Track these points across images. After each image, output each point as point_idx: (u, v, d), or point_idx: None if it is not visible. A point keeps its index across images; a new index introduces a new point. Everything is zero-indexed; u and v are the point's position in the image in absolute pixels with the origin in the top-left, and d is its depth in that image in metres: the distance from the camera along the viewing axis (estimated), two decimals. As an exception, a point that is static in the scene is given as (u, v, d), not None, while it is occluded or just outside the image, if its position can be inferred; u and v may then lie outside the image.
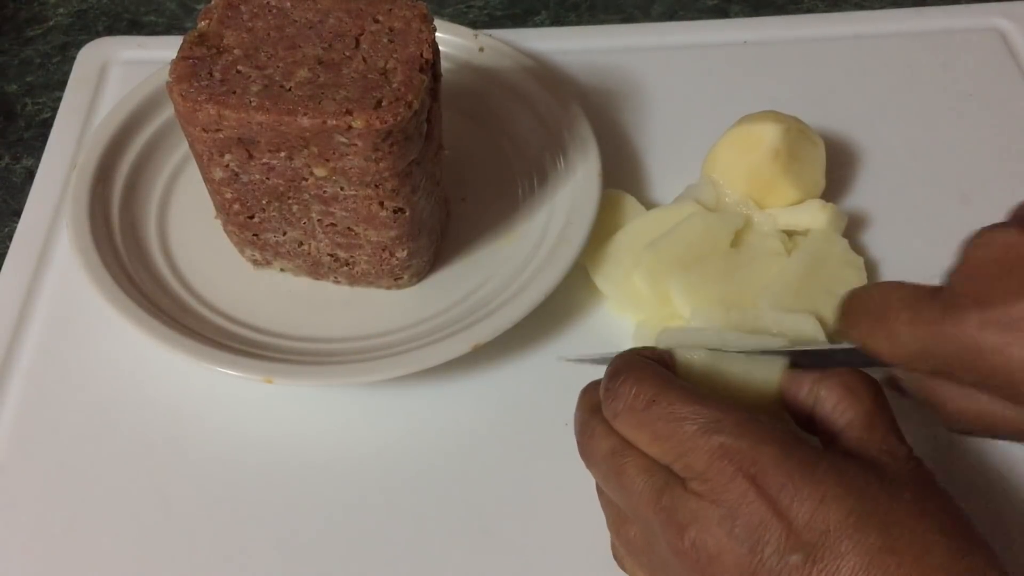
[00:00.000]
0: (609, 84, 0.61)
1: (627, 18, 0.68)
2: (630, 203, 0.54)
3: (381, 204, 0.44)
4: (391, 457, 0.46)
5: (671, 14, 0.68)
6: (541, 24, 0.68)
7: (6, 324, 0.50)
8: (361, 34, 0.43)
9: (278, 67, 0.42)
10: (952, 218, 0.55)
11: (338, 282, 0.51)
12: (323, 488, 0.45)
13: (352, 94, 0.41)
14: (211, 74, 0.41)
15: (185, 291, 0.50)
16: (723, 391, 0.38)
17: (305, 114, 0.40)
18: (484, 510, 0.44)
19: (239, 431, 0.47)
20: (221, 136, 0.42)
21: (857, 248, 0.52)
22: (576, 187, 0.52)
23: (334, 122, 0.40)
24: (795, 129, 0.52)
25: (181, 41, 0.43)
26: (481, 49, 0.58)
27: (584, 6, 0.69)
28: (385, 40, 0.43)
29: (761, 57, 0.63)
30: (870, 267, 0.52)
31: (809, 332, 0.47)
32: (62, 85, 0.62)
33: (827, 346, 0.39)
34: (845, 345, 0.37)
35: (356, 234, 0.47)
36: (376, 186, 0.43)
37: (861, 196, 0.56)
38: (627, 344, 0.46)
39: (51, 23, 0.68)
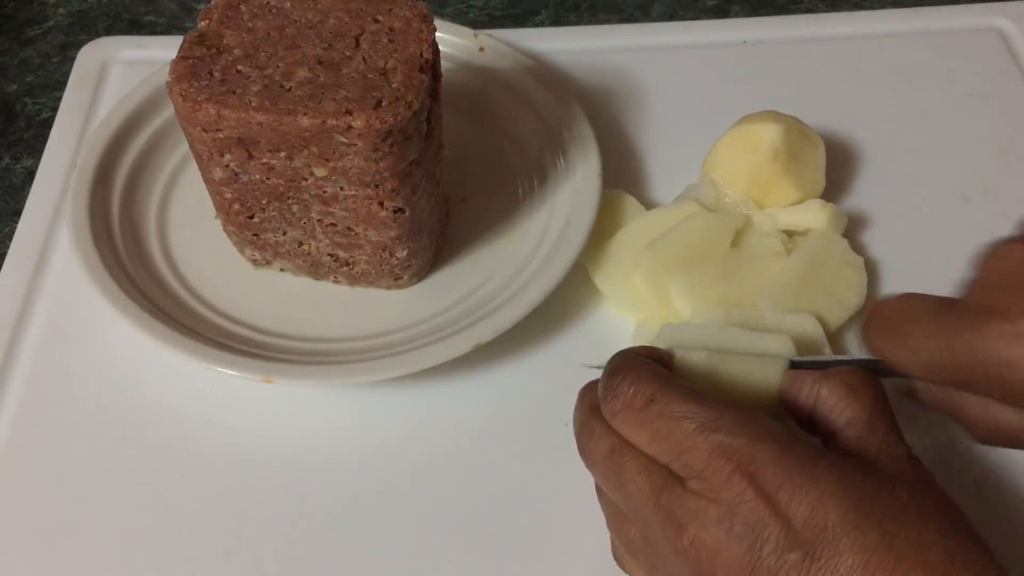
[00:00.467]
0: (609, 84, 0.61)
1: (627, 18, 0.68)
2: (630, 203, 0.54)
3: (381, 204, 0.44)
4: (391, 457, 0.46)
5: (671, 14, 0.68)
6: (541, 24, 0.68)
7: (6, 324, 0.50)
8: (361, 34, 0.43)
9: (278, 67, 0.42)
10: (952, 218, 0.55)
11: (338, 282, 0.51)
12: (323, 488, 0.45)
13: (352, 94, 0.41)
14: (211, 74, 0.41)
15: (185, 291, 0.50)
16: (723, 391, 0.38)
17: (305, 114, 0.40)
18: (484, 510, 0.44)
19: (239, 431, 0.47)
20: (221, 136, 0.42)
21: (857, 248, 0.52)
22: (576, 187, 0.52)
23: (334, 122, 0.40)
24: (795, 129, 0.52)
25: (181, 41, 0.43)
26: (481, 49, 0.58)
27: (584, 6, 0.69)
28: (385, 40, 0.43)
29: (761, 57, 0.63)
30: (870, 267, 0.52)
31: (810, 332, 0.47)
32: (62, 85, 0.62)
33: (849, 357, 0.40)
34: (867, 357, 0.38)
35: (356, 234, 0.47)
36: (376, 186, 0.43)
37: (861, 196, 0.56)
38: (627, 344, 0.45)
39: (51, 23, 0.68)
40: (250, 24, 0.43)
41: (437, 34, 0.44)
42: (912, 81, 0.62)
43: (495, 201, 0.54)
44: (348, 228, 0.46)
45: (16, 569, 0.43)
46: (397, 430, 0.47)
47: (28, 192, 0.56)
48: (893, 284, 0.52)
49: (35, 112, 0.63)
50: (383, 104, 0.40)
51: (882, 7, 0.68)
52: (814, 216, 0.51)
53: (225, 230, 0.50)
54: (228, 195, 0.46)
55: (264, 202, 0.46)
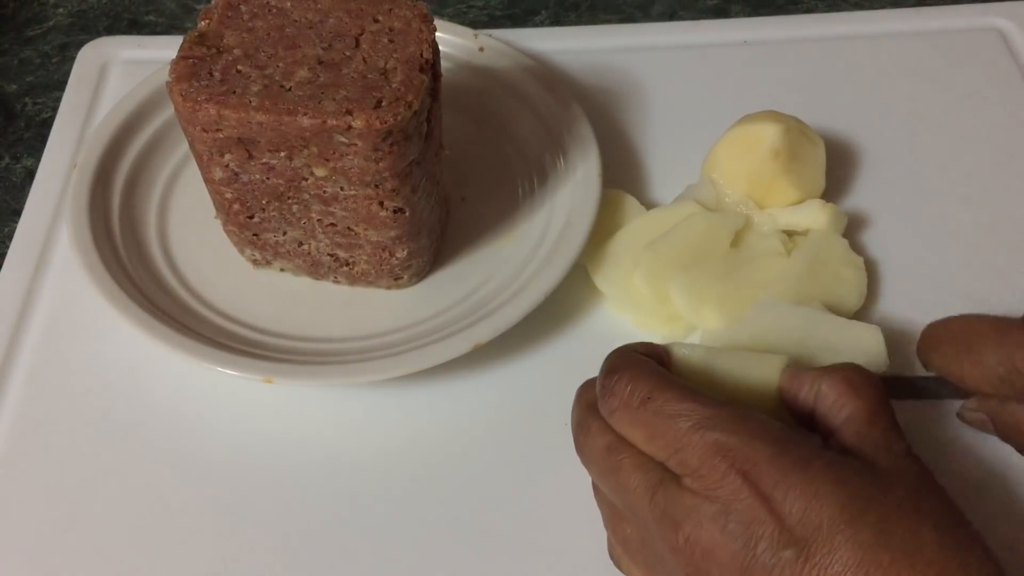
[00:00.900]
0: (609, 84, 0.61)
1: (627, 18, 0.68)
2: (630, 203, 0.54)
3: (381, 204, 0.44)
4: (391, 457, 0.46)
5: (671, 14, 0.68)
6: (541, 24, 0.68)
7: (6, 324, 0.50)
8: (361, 34, 0.43)
9: (278, 67, 0.42)
10: (952, 218, 0.55)
11: (338, 282, 0.51)
12: (323, 488, 0.45)
13: (352, 94, 0.41)
14: (211, 74, 0.41)
15: (185, 291, 0.50)
16: (721, 388, 0.38)
17: (305, 114, 0.40)
18: (484, 510, 0.44)
19: (239, 431, 0.47)
20: (221, 136, 0.42)
21: (857, 248, 0.52)
22: (576, 187, 0.52)
23: (334, 122, 0.40)
24: (795, 129, 0.52)
25: (181, 41, 0.43)
26: (481, 49, 0.58)
27: (584, 6, 0.69)
28: (385, 40, 0.43)
29: (761, 57, 0.63)
30: (870, 267, 0.52)
31: (869, 342, 0.46)
32: (62, 85, 0.62)
33: (910, 376, 0.41)
34: (926, 374, 0.39)
35: (356, 234, 0.47)
36: (376, 186, 0.43)
37: (861, 196, 0.56)
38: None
39: (51, 23, 0.68)
40: (250, 24, 0.43)
41: (437, 34, 0.44)
42: (912, 81, 0.62)
43: (495, 201, 0.54)
44: (348, 228, 0.46)
45: (16, 569, 0.43)
46: (397, 430, 0.47)
47: (28, 192, 0.56)
48: (893, 284, 0.52)
49: (35, 112, 0.63)
50: (383, 104, 0.40)
51: (882, 7, 0.68)
52: (814, 216, 0.51)
53: (225, 230, 0.50)
54: (228, 195, 0.46)
55: (264, 202, 0.46)
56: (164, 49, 0.60)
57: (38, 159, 0.58)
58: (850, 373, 0.36)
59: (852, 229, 0.53)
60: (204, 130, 0.42)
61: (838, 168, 0.56)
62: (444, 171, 0.50)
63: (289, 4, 0.44)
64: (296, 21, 0.44)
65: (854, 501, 0.31)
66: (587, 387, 0.38)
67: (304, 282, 0.51)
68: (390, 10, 0.44)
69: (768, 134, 0.51)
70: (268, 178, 0.44)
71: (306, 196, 0.45)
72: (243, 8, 0.44)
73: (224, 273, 0.51)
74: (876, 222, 0.55)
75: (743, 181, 0.52)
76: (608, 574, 0.40)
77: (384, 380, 0.46)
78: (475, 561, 0.43)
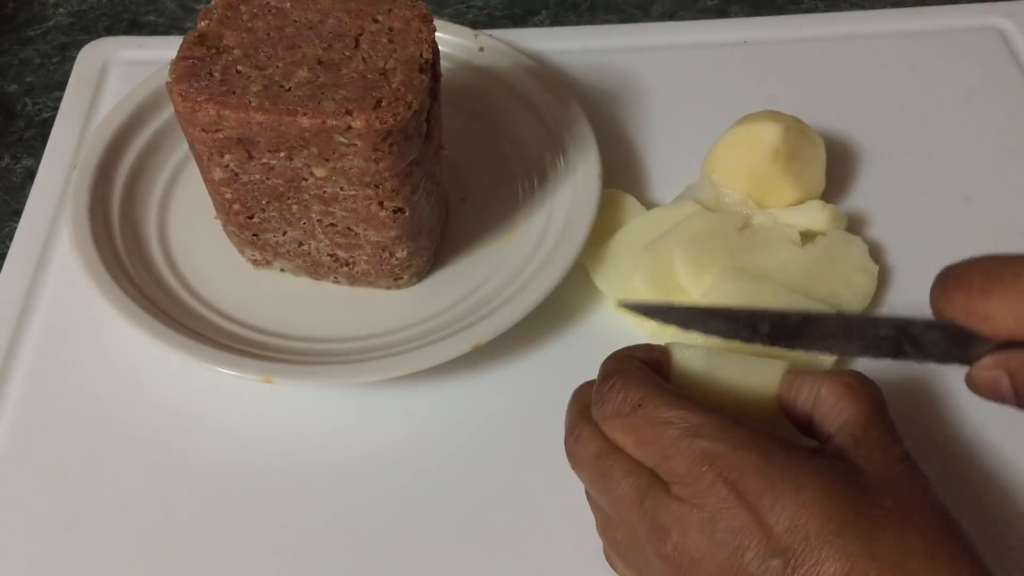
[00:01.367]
0: (609, 84, 0.61)
1: (627, 18, 0.68)
2: (630, 203, 0.54)
3: (381, 204, 0.44)
4: (391, 457, 0.46)
5: (671, 14, 0.68)
6: (541, 24, 0.68)
7: (6, 324, 0.50)
8: (361, 34, 0.43)
9: (278, 67, 0.42)
10: (953, 218, 0.55)
11: (338, 282, 0.51)
12: (323, 488, 0.45)
13: (352, 94, 0.41)
14: (211, 74, 0.41)
15: (185, 291, 0.50)
16: (721, 391, 0.38)
17: (305, 114, 0.40)
18: (484, 510, 0.44)
19: (239, 431, 0.47)
20: (221, 136, 0.42)
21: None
22: (576, 187, 0.52)
23: (334, 122, 0.40)
24: (795, 129, 0.52)
25: (181, 41, 0.43)
26: (481, 49, 0.58)
27: (584, 6, 0.69)
28: (385, 40, 0.43)
29: (761, 57, 0.63)
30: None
31: None
32: (62, 85, 0.62)
33: (913, 318, 0.36)
34: (935, 320, 0.35)
35: (356, 234, 0.47)
36: (376, 186, 0.43)
37: (861, 196, 0.56)
38: (626, 343, 0.45)
39: (51, 23, 0.68)
40: (250, 24, 0.43)
41: (437, 34, 0.44)
42: (912, 81, 0.62)
43: (495, 201, 0.54)
44: (348, 228, 0.46)
45: (16, 569, 0.43)
46: (397, 430, 0.47)
47: (28, 192, 0.56)
48: (893, 284, 0.52)
49: (35, 112, 0.63)
50: (383, 104, 0.40)
51: (882, 7, 0.68)
52: (814, 216, 0.51)
53: (225, 230, 0.50)
54: (228, 195, 0.46)
55: (264, 202, 0.46)
56: (164, 49, 0.60)
57: (38, 159, 0.58)
58: (849, 378, 0.36)
59: (852, 229, 0.53)
60: (204, 130, 0.42)
61: (838, 168, 0.56)
62: (444, 171, 0.50)
63: (289, 4, 0.44)
64: (296, 21, 0.44)
65: (842, 511, 0.31)
66: (581, 391, 0.39)
67: (304, 282, 0.51)
68: (390, 10, 0.44)
69: (768, 134, 0.51)
70: (268, 178, 0.44)
71: (306, 196, 0.45)
72: (243, 8, 0.44)
73: (224, 273, 0.51)
74: (876, 222, 0.55)
75: (743, 181, 0.52)
76: (607, 574, 0.40)
77: (384, 380, 0.46)
78: (475, 561, 0.43)
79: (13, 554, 0.43)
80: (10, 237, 0.54)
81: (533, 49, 0.62)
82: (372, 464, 0.46)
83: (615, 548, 0.37)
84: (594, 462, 0.35)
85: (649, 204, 0.55)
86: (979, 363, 0.34)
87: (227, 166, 0.44)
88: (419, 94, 0.41)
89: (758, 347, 0.37)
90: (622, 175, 0.56)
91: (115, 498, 0.45)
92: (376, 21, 0.44)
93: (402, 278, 0.50)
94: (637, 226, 0.52)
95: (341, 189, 0.44)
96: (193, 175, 0.51)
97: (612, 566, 0.39)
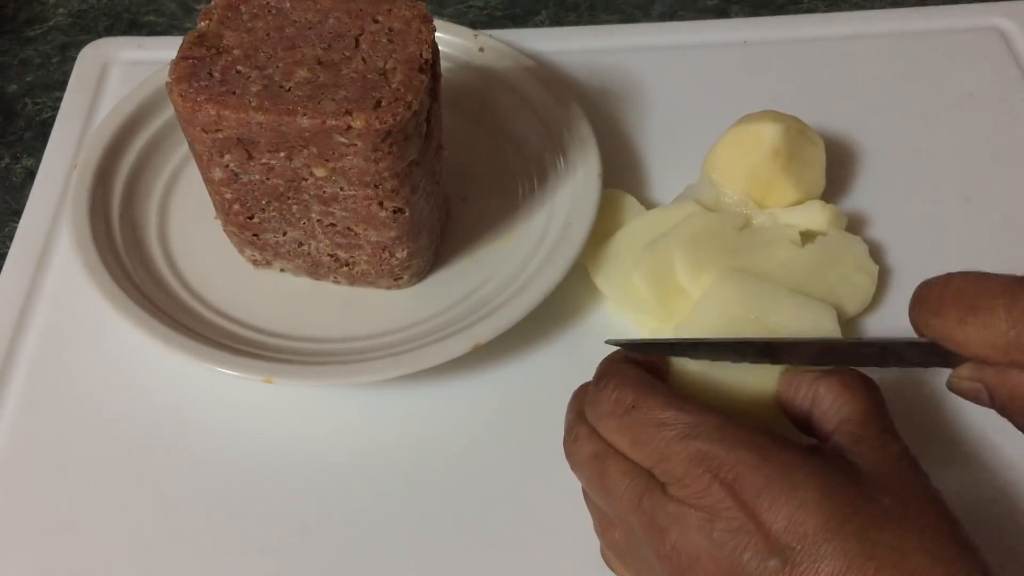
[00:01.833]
0: (609, 84, 0.61)
1: (627, 18, 0.68)
2: (630, 203, 0.54)
3: (381, 204, 0.44)
4: (391, 457, 0.46)
5: (671, 14, 0.68)
6: (541, 24, 0.68)
7: (6, 324, 0.50)
8: (361, 34, 0.43)
9: (278, 67, 0.42)
10: (953, 218, 0.55)
11: (338, 282, 0.51)
12: (323, 488, 0.45)
13: (351, 94, 0.41)
14: (211, 74, 0.41)
15: (185, 291, 0.50)
16: (718, 392, 0.38)
17: (305, 114, 0.40)
18: (484, 510, 0.44)
19: (239, 431, 0.47)
20: (221, 136, 0.42)
21: (856, 248, 0.52)
22: (576, 187, 0.52)
23: (334, 122, 0.40)
24: (795, 129, 0.52)
25: (181, 41, 0.43)
26: (481, 49, 0.58)
27: (584, 6, 0.69)
28: (385, 40, 0.43)
29: (761, 57, 0.63)
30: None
31: (826, 322, 0.46)
32: (62, 85, 0.62)
33: (895, 339, 0.37)
34: (916, 339, 0.35)
35: (356, 234, 0.47)
36: (376, 186, 0.43)
37: (861, 196, 0.56)
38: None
39: (51, 23, 0.68)
40: (250, 24, 0.43)
41: (437, 34, 0.44)
42: (912, 81, 0.62)
43: (495, 201, 0.54)
44: (348, 228, 0.46)
45: (16, 568, 0.43)
46: (397, 430, 0.47)
47: (28, 192, 0.56)
48: (893, 284, 0.52)
49: (35, 112, 0.63)
50: (383, 104, 0.40)
51: (882, 7, 0.68)
52: (814, 216, 0.51)
53: (225, 230, 0.50)
54: (228, 195, 0.46)
55: (264, 202, 0.46)
56: (164, 50, 0.60)
57: (38, 159, 0.58)
58: (847, 377, 0.36)
59: (852, 229, 0.53)
60: (204, 130, 0.42)
61: (838, 168, 0.56)
62: (444, 171, 0.50)
63: (289, 4, 0.44)
64: (296, 21, 0.44)
65: (839, 509, 0.31)
66: (579, 393, 0.39)
67: (304, 282, 0.51)
68: (390, 10, 0.44)
69: (768, 134, 0.51)
70: (268, 178, 0.44)
71: (306, 196, 0.45)
72: (243, 8, 0.44)
73: (224, 273, 0.51)
74: (876, 222, 0.55)
75: (743, 181, 0.52)
76: (606, 574, 0.40)
77: (384, 380, 0.46)
78: (475, 560, 0.43)
79: (13, 554, 0.43)
80: (10, 237, 0.54)
81: (533, 49, 0.62)
82: (372, 464, 0.46)
83: (613, 548, 0.37)
84: (592, 463, 0.35)
85: (649, 204, 0.55)
86: (957, 372, 0.35)
87: (227, 166, 0.44)
88: (419, 94, 0.41)
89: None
90: (622, 175, 0.56)
91: (115, 498, 0.45)
92: (376, 21, 0.44)
93: (402, 278, 0.50)
94: (637, 226, 0.52)
95: (341, 189, 0.44)
96: (193, 175, 0.51)
97: (610, 566, 0.39)
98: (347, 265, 0.49)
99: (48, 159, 0.57)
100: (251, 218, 0.47)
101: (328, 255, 0.49)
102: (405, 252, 0.48)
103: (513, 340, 0.48)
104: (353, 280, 0.50)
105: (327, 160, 0.42)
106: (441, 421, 0.47)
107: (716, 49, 0.64)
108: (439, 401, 0.48)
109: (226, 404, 0.48)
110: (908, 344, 0.36)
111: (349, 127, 0.40)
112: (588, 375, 0.39)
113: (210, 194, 0.47)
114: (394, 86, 0.41)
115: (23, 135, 0.62)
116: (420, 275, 0.51)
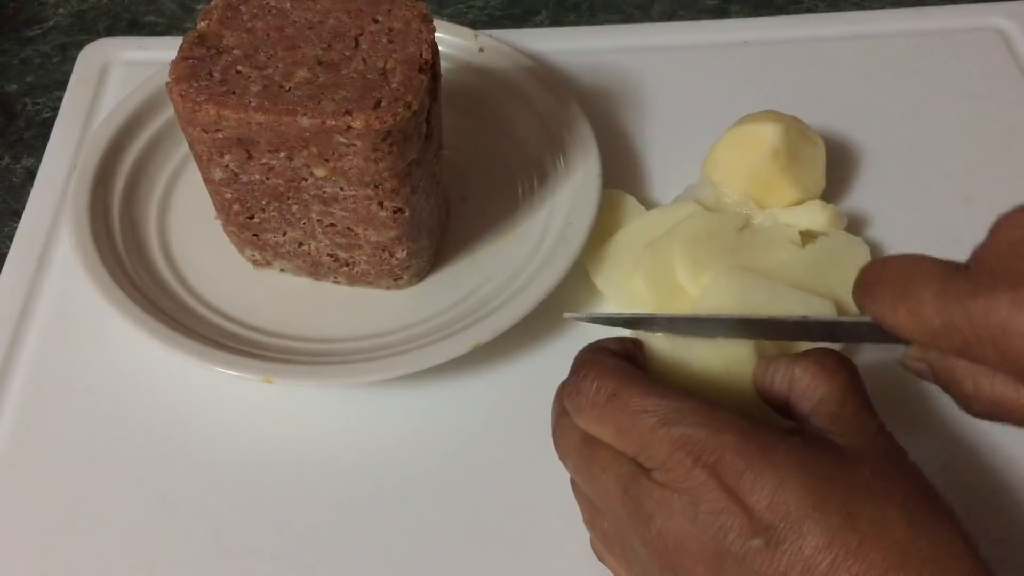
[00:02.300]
0: (609, 84, 0.61)
1: (627, 18, 0.68)
2: (630, 203, 0.54)
3: (381, 204, 0.44)
4: (391, 457, 0.46)
5: (671, 14, 0.68)
6: (541, 24, 0.68)
7: (7, 324, 0.50)
8: (361, 34, 0.43)
9: (278, 67, 0.42)
10: (953, 218, 0.55)
11: (338, 282, 0.51)
12: (323, 488, 0.45)
13: (351, 94, 0.41)
14: (211, 74, 0.41)
15: (185, 291, 0.50)
16: (697, 378, 0.38)
17: (304, 114, 0.40)
18: (484, 510, 0.44)
19: (239, 431, 0.47)
20: (221, 136, 0.42)
21: (856, 248, 0.52)
22: (576, 187, 0.52)
23: (333, 122, 0.40)
24: (795, 129, 0.52)
25: (181, 41, 0.43)
26: (481, 49, 0.58)
27: (584, 6, 0.69)
28: (385, 40, 0.43)
29: (761, 57, 0.63)
30: (870, 267, 0.52)
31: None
32: (62, 85, 0.62)
33: (840, 318, 0.38)
34: (861, 318, 0.35)
35: (356, 234, 0.47)
36: (376, 186, 0.43)
37: (861, 196, 0.56)
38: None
39: (51, 23, 0.68)
40: (250, 25, 0.43)
41: (437, 34, 0.44)
42: (912, 81, 0.62)
43: (495, 201, 0.54)
44: (348, 228, 0.46)
45: (16, 568, 0.43)
46: (397, 430, 0.47)
47: (28, 192, 0.56)
48: (893, 284, 0.52)
49: (35, 112, 0.63)
50: (383, 104, 0.40)
51: (882, 7, 0.68)
52: (814, 216, 0.51)
53: (225, 230, 0.50)
54: (228, 195, 0.46)
55: (264, 202, 0.46)
56: (164, 50, 0.60)
57: (38, 159, 0.58)
58: (822, 357, 0.36)
59: (852, 229, 0.53)
60: (204, 131, 0.42)
61: (838, 168, 0.56)
62: (444, 171, 0.50)
63: (289, 5, 0.44)
64: (296, 22, 0.44)
65: (820, 485, 0.31)
66: (563, 386, 0.39)
67: (304, 282, 0.51)
68: (390, 10, 0.44)
69: (768, 134, 0.51)
70: (268, 178, 0.44)
71: (306, 196, 0.45)
72: (243, 9, 0.44)
73: (224, 273, 0.51)
74: (876, 222, 0.55)
75: (743, 181, 0.52)
76: (605, 573, 0.40)
77: (384, 380, 0.46)
78: (474, 560, 0.43)
79: (13, 554, 0.43)
80: (10, 237, 0.54)
81: (533, 49, 0.62)
82: (372, 464, 0.46)
83: (602, 538, 0.38)
84: (578, 453, 0.36)
85: (649, 204, 0.55)
86: (907, 351, 0.35)
87: (227, 166, 0.44)
88: (419, 94, 0.41)
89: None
90: (622, 175, 0.56)
91: (115, 498, 0.45)
92: (376, 21, 0.44)
93: (402, 278, 0.50)
94: (637, 226, 0.52)
95: (341, 189, 0.44)
96: (193, 175, 0.51)
97: (600, 559, 0.39)
98: (347, 265, 0.49)
99: (48, 159, 0.57)
100: (251, 218, 0.47)
101: (328, 255, 0.49)
102: (405, 252, 0.48)
103: (513, 340, 0.48)
104: (353, 280, 0.50)
105: (327, 160, 0.42)
106: (441, 421, 0.47)
107: (716, 49, 0.64)
108: (439, 401, 0.48)
109: (226, 404, 0.48)
110: (855, 323, 0.36)
111: (349, 127, 0.40)
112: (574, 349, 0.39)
113: (210, 194, 0.47)
114: (394, 86, 0.41)
115: (23, 135, 0.62)
116: (420, 275, 0.51)
